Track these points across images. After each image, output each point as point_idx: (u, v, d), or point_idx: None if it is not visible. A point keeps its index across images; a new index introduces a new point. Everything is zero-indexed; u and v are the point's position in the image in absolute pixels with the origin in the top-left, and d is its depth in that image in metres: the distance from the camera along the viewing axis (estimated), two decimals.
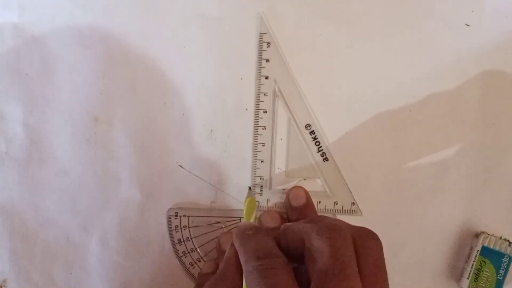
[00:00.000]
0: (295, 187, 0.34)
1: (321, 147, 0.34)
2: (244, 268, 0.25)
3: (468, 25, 0.34)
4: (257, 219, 0.33)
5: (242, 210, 0.34)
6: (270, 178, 0.34)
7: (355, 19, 0.34)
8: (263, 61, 0.34)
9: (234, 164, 0.34)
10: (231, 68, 0.34)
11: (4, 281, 0.34)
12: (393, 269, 0.35)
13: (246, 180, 0.34)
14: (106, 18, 0.34)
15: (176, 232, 0.34)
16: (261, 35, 0.34)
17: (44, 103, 0.34)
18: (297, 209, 0.32)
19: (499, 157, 0.34)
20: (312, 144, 0.34)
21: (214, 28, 0.34)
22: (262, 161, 0.34)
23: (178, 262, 0.34)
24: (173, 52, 0.34)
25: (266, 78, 0.34)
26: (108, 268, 0.34)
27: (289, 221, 0.33)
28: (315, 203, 0.34)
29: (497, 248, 0.33)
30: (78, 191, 0.34)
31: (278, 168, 0.34)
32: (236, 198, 0.34)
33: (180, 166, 0.34)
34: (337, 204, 0.34)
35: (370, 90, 0.34)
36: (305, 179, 0.34)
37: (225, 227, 0.34)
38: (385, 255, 0.25)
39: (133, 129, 0.34)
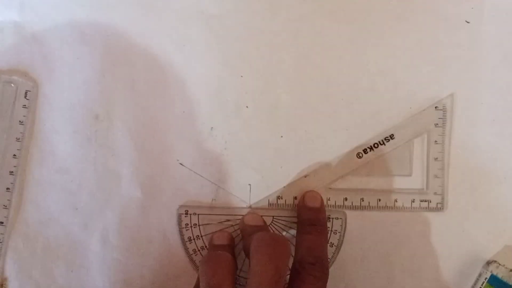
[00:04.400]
0: (312, 190, 0.34)
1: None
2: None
3: (468, 22, 0.34)
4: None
5: (244, 208, 0.34)
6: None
7: (355, 18, 0.34)
8: None
9: (234, 161, 0.34)
10: (231, 65, 0.34)
11: (5, 279, 0.34)
12: None
13: (247, 178, 0.34)
14: (107, 16, 0.34)
15: (186, 230, 0.34)
16: None
17: (44, 102, 0.34)
18: (312, 210, 0.33)
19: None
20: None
21: (214, 26, 0.34)
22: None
23: (183, 260, 0.34)
24: (173, 50, 0.34)
25: None
26: (109, 266, 0.34)
27: (299, 220, 0.33)
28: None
29: (506, 280, 0.32)
30: (78, 189, 0.34)
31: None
32: (237, 196, 0.34)
33: (180, 164, 0.34)
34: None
35: (370, 89, 0.34)
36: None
37: (235, 225, 0.34)
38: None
39: (134, 127, 0.34)
